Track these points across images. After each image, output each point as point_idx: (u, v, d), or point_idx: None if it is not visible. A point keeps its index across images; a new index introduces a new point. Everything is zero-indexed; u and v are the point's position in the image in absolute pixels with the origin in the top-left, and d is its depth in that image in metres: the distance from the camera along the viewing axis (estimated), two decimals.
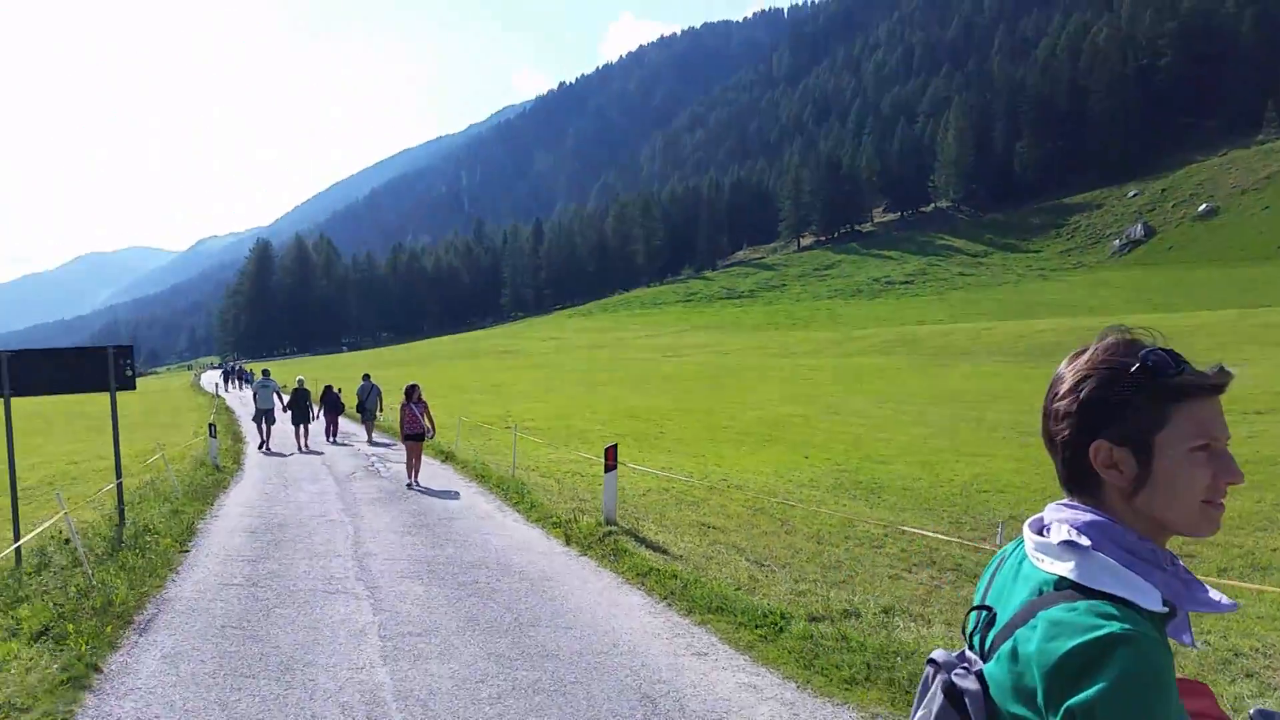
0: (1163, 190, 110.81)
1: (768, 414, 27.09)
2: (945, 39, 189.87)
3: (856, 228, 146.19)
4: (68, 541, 8.23)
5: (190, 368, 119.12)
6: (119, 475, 9.74)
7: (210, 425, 17.76)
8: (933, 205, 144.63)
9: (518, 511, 11.25)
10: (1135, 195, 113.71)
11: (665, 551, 8.60)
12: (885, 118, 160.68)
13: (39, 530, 7.82)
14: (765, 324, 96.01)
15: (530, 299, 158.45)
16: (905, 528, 11.05)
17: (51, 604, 6.40)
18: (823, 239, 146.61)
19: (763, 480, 15.66)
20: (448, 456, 17.53)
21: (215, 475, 15.00)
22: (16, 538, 7.49)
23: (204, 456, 17.29)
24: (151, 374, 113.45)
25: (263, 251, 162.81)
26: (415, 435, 13.85)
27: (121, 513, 9.85)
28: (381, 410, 22.40)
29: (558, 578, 7.84)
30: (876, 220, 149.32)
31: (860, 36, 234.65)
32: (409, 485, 13.53)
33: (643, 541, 8.97)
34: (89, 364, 9.62)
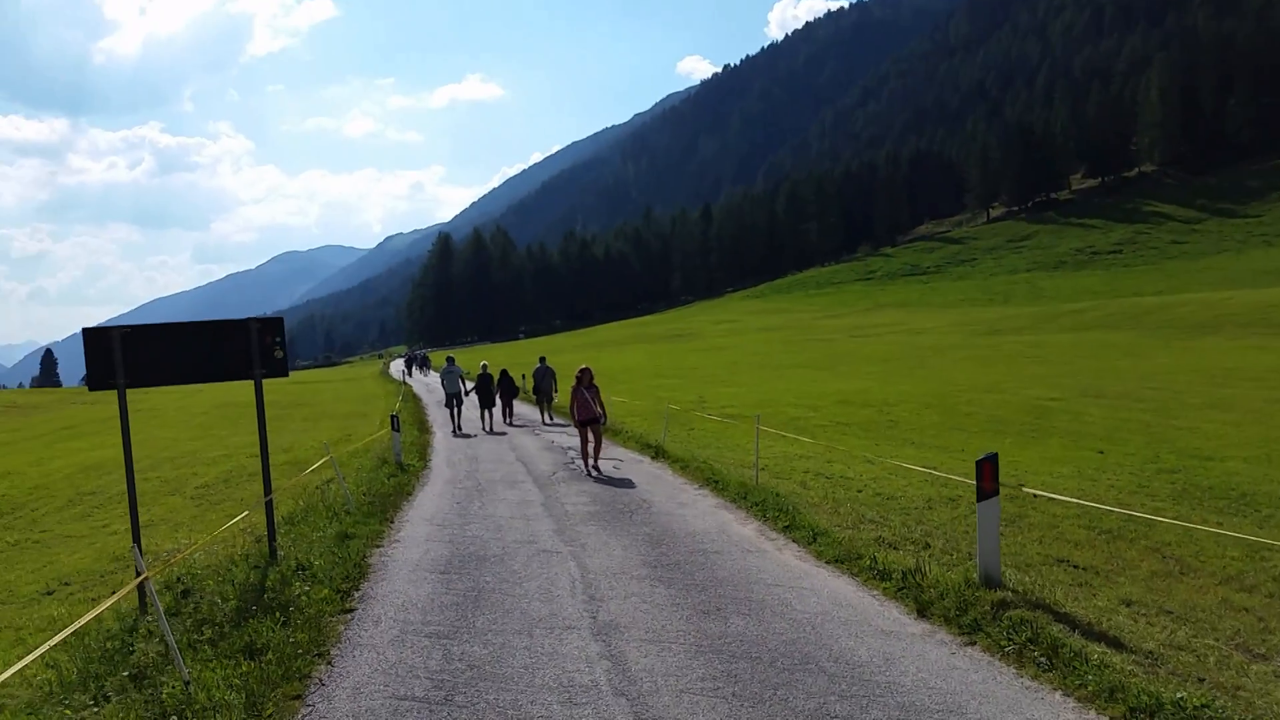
0: None
1: (1012, 398, 23.20)
2: None
3: (1053, 196, 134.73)
4: (186, 594, 5.74)
5: (380, 356, 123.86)
6: (268, 490, 7.21)
7: (393, 417, 15.61)
8: (1136, 170, 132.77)
9: (793, 541, 7.97)
10: None
11: (1118, 643, 4.97)
12: (1078, 80, 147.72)
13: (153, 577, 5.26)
14: (959, 300, 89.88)
15: (700, 283, 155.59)
16: None
17: None
18: (1015, 209, 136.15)
19: (1067, 483, 11.93)
20: (657, 452, 14.72)
21: (398, 478, 12.67)
22: (138, 572, 4.93)
23: (387, 453, 15.19)
24: (345, 363, 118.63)
25: (444, 245, 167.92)
26: (588, 420, 13.39)
27: (272, 547, 7.25)
28: (557, 392, 22.87)
29: (970, 709, 4.26)
30: (1074, 187, 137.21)
31: None
32: (588, 473, 12.99)
33: (1064, 619, 5.32)
34: (228, 343, 7.02)
